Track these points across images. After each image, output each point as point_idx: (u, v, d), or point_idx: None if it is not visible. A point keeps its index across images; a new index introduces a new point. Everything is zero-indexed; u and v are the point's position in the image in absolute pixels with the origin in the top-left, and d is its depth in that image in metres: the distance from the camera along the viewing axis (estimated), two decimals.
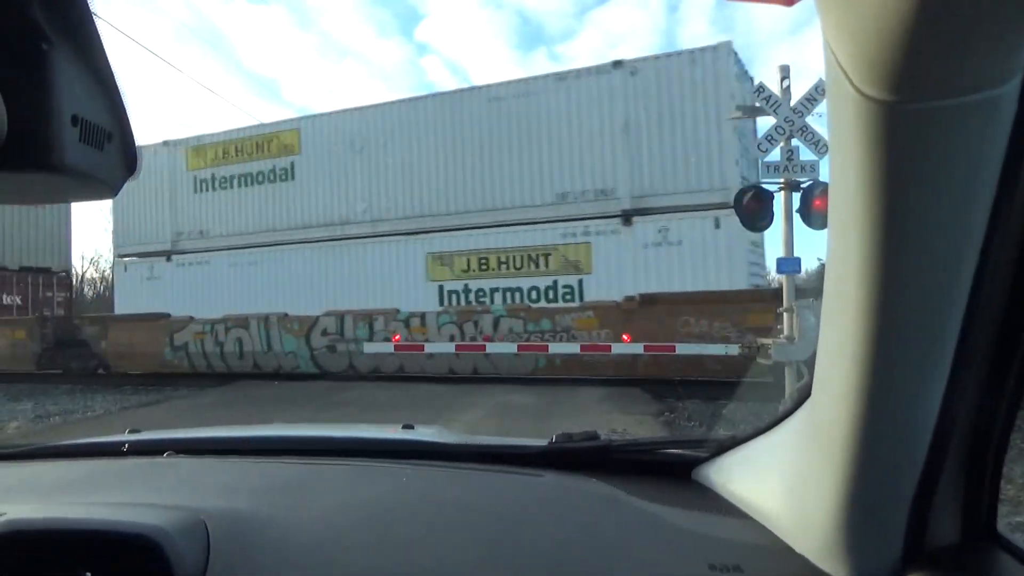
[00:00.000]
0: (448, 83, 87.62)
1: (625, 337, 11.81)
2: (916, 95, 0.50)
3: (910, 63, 0.48)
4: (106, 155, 0.60)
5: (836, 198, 0.64)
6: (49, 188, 0.63)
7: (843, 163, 0.60)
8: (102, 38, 0.59)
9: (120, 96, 0.61)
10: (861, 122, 0.54)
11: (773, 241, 10.87)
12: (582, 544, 0.98)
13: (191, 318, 15.33)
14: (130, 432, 1.66)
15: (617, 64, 13.15)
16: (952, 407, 0.70)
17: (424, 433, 1.67)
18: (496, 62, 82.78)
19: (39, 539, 0.87)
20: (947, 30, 0.46)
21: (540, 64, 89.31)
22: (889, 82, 0.50)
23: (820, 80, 7.08)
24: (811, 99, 7.05)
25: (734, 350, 10.27)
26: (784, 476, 0.95)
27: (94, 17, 0.58)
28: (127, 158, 0.63)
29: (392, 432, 1.69)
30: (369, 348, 13.39)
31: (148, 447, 1.52)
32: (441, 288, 14.54)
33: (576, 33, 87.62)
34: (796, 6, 0.62)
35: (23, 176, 0.57)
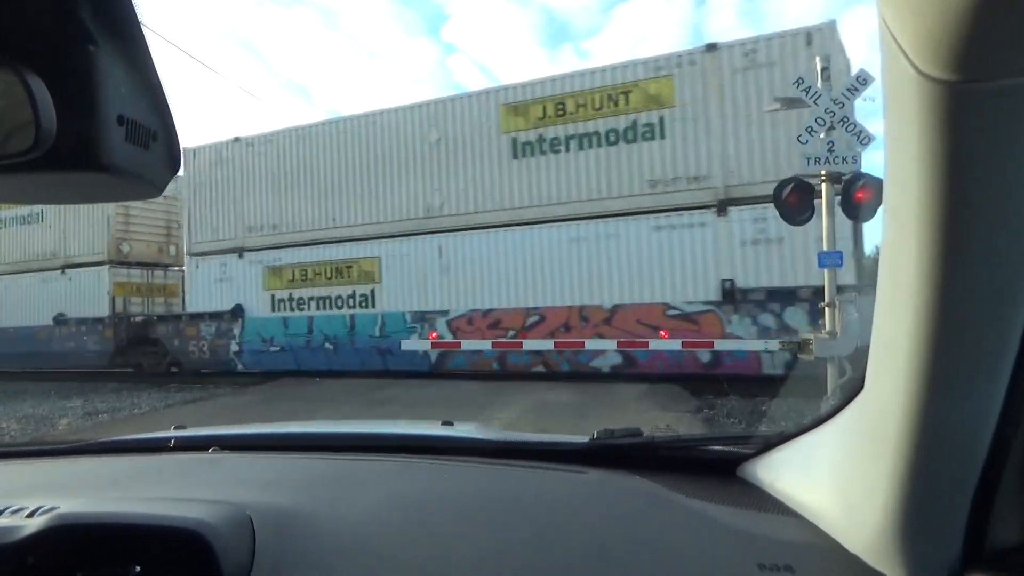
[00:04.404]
0: (476, 82, 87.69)
1: (663, 333, 11.72)
2: (983, 73, 0.48)
3: (977, 39, 0.45)
4: (151, 154, 0.61)
5: (893, 186, 0.62)
6: (96, 187, 0.64)
7: (901, 149, 0.57)
8: (147, 40, 0.60)
9: (164, 97, 0.62)
10: (922, 105, 0.52)
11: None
12: (627, 542, 0.97)
13: None
14: (176, 429, 1.70)
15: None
16: (1015, 403, 0.67)
17: (464, 430, 1.67)
18: (523, 60, 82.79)
19: (90, 532, 0.89)
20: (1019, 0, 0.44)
21: (568, 60, 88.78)
22: (953, 60, 0.47)
23: (861, 70, 6.94)
24: (853, 89, 6.89)
25: (774, 346, 10.11)
26: (836, 473, 0.92)
27: (139, 21, 0.59)
28: (171, 157, 0.64)
29: (432, 429, 1.70)
30: (407, 345, 13.49)
31: (193, 443, 1.55)
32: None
33: (602, 28, 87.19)
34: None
35: (71, 176, 0.58)
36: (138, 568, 0.85)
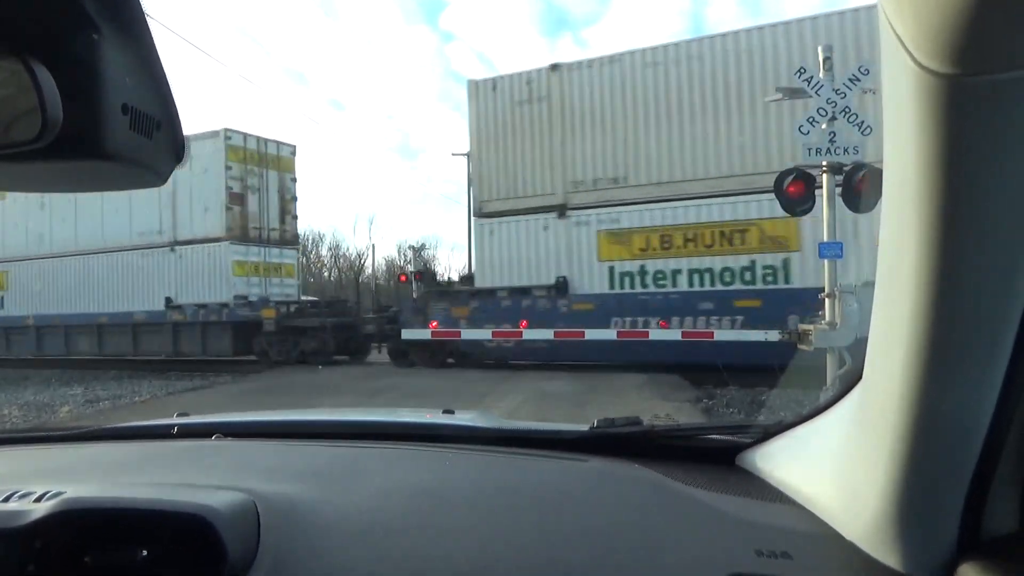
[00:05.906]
0: (475, 71, 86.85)
1: (662, 323, 11.72)
2: (983, 67, 0.48)
3: (976, 32, 0.45)
4: (155, 143, 0.61)
5: (892, 179, 0.62)
6: (99, 176, 0.65)
7: (900, 142, 0.58)
8: (151, 30, 0.60)
9: (168, 86, 0.62)
10: (921, 98, 0.52)
11: None
12: (627, 529, 0.98)
13: None
14: (179, 415, 1.70)
15: None
16: (1012, 393, 0.67)
17: (465, 418, 1.68)
18: (522, 48, 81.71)
19: (97, 517, 0.90)
20: None
21: (567, 50, 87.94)
22: (953, 54, 0.47)
23: (863, 61, 6.91)
24: (854, 79, 6.87)
25: (774, 337, 10.11)
26: (834, 462, 0.93)
27: (143, 10, 0.59)
28: (175, 146, 0.64)
29: (434, 417, 1.70)
30: (407, 334, 13.49)
31: (197, 430, 1.56)
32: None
33: (601, 17, 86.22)
34: None
35: (76, 164, 0.58)
36: (144, 552, 0.86)
